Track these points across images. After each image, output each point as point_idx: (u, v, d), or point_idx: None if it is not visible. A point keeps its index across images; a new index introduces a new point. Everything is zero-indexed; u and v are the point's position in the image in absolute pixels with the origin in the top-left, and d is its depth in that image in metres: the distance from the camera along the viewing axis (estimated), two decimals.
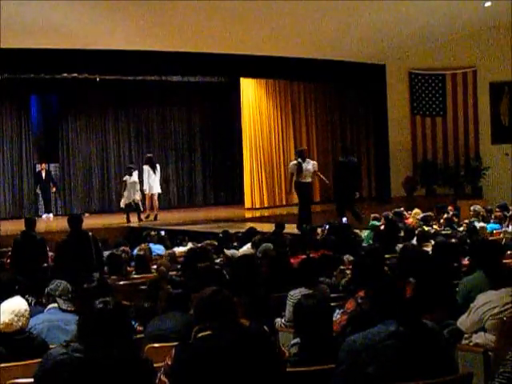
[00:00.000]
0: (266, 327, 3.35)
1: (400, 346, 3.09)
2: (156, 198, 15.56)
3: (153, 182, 15.29)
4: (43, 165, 17.09)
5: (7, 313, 3.98)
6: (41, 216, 16.52)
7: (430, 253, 6.73)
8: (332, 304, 4.78)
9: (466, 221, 11.13)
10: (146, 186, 15.30)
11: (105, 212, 17.57)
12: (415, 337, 3.14)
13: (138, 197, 15.05)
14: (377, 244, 8.02)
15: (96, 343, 3.00)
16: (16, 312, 3.99)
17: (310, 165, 12.83)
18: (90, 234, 8.58)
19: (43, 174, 16.87)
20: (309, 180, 12.78)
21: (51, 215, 16.71)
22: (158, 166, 15.50)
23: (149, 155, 15.88)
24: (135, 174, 15.19)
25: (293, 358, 3.59)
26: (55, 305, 4.76)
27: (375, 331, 3.15)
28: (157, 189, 15.45)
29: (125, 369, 3.00)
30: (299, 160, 12.70)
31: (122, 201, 15.16)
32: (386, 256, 6.77)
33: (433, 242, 7.88)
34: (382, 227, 10.61)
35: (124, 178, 15.25)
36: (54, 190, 17.05)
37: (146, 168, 15.39)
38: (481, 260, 4.95)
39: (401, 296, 3.31)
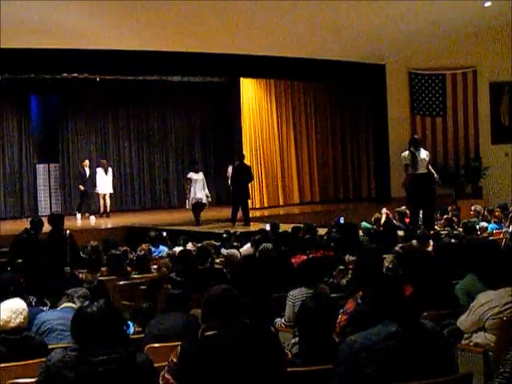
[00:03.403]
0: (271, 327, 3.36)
1: (400, 346, 3.09)
2: (108, 197, 16.48)
3: (105, 183, 16.28)
4: (86, 161, 16.44)
5: (6, 310, 4.04)
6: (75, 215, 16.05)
7: (431, 253, 6.73)
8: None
9: (464, 221, 11.14)
10: (99, 187, 16.32)
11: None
12: (414, 337, 3.14)
13: (204, 196, 13.95)
14: (373, 244, 8.03)
15: (89, 342, 3.00)
16: (14, 310, 4.04)
17: (425, 154, 11.59)
18: (68, 232, 8.66)
19: (87, 172, 16.26)
20: (425, 171, 11.51)
21: (93, 216, 16.01)
22: (110, 169, 16.54)
23: (102, 160, 16.73)
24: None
25: (293, 359, 3.59)
26: (71, 304, 4.79)
27: (375, 332, 3.15)
28: (108, 189, 16.45)
29: (122, 368, 2.99)
30: (412, 149, 11.44)
31: (188, 202, 14.07)
32: (384, 256, 6.77)
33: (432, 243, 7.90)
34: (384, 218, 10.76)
35: (188, 176, 14.14)
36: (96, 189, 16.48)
37: (99, 170, 16.42)
38: (475, 262, 4.92)
39: (400, 296, 3.31)
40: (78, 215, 16.06)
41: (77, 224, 15.03)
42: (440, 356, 3.19)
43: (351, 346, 3.12)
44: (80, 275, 7.08)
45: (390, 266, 6.70)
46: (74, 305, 4.79)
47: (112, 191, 16.69)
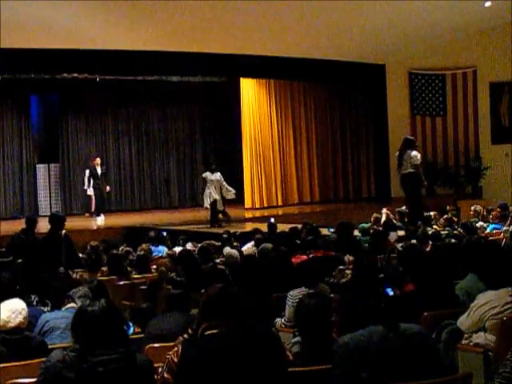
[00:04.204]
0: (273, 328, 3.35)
1: (391, 348, 3.07)
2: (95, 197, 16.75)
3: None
4: (98, 159, 16.34)
5: (5, 310, 4.04)
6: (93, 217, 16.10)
7: (428, 252, 6.73)
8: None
9: (464, 221, 11.13)
10: (87, 188, 16.81)
11: (104, 212, 17.57)
12: (402, 339, 3.12)
13: (219, 197, 13.80)
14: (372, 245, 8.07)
15: (90, 342, 3.00)
16: (13, 310, 4.04)
17: None
18: (63, 232, 8.68)
19: (99, 171, 16.11)
20: None
21: (102, 217, 15.86)
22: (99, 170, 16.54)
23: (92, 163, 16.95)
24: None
25: (294, 358, 3.58)
26: (74, 305, 4.80)
27: (366, 333, 3.13)
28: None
29: (122, 368, 2.99)
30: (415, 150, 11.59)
31: (206, 202, 13.92)
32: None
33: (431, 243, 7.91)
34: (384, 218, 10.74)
35: (203, 175, 14.11)
36: (109, 189, 16.36)
37: (88, 171, 16.75)
38: (474, 262, 4.92)
39: (384, 300, 3.30)
40: (98, 218, 15.83)
41: (95, 224, 15.21)
42: (429, 357, 3.18)
43: (344, 348, 3.11)
44: (74, 275, 7.04)
45: (393, 255, 6.74)
46: (75, 305, 4.81)
47: None
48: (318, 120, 18.71)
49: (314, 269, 5.67)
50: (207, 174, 13.93)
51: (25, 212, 16.73)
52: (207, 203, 13.84)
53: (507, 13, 15.26)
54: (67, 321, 4.52)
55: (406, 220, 11.55)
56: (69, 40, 13.36)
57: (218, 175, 13.92)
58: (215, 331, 3.14)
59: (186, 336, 3.51)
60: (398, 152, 11.71)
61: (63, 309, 4.90)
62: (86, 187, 16.90)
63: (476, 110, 18.20)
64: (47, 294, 5.39)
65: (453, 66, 18.10)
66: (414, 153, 11.46)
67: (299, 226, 10.15)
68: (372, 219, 11.91)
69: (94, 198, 16.68)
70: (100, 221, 15.65)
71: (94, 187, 16.12)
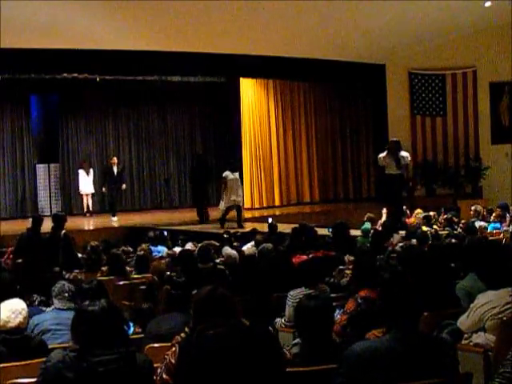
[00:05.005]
0: (270, 328, 3.33)
1: (405, 360, 3.03)
2: (90, 198, 17.02)
3: (86, 183, 16.87)
4: (114, 158, 16.28)
5: (5, 310, 4.04)
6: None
7: (426, 252, 6.73)
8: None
9: (464, 221, 11.14)
10: (81, 187, 16.97)
11: (105, 212, 17.57)
12: (420, 351, 3.08)
13: (240, 198, 13.27)
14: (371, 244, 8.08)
15: (90, 342, 3.00)
16: (13, 310, 4.04)
17: None
18: (63, 232, 8.70)
19: (115, 170, 15.97)
20: None
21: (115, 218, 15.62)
22: (91, 170, 17.00)
23: (84, 162, 17.18)
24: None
25: (293, 359, 3.58)
26: (54, 306, 4.80)
27: (379, 345, 3.07)
28: (90, 190, 16.94)
29: (122, 368, 2.98)
30: None
31: (222, 203, 13.20)
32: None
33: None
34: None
35: (224, 175, 13.25)
36: (124, 187, 16.28)
37: (80, 171, 17.02)
38: (475, 262, 4.92)
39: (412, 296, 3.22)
40: (114, 218, 15.71)
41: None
42: (444, 367, 3.14)
43: (355, 360, 3.02)
44: (67, 275, 7.00)
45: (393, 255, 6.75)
46: (56, 305, 4.80)
47: (93, 191, 17.04)
48: (318, 120, 18.71)
49: (313, 269, 5.67)
50: (227, 174, 13.20)
51: (26, 212, 16.74)
52: (224, 205, 13.17)
53: (507, 13, 15.26)
54: (57, 321, 4.56)
55: (383, 223, 11.32)
56: (69, 40, 13.36)
57: (237, 174, 13.39)
58: (212, 331, 3.14)
59: (182, 335, 3.51)
60: (385, 153, 11.76)
61: (51, 309, 4.90)
62: (81, 187, 16.90)
63: (476, 109, 18.21)
64: (48, 294, 5.39)
65: (453, 66, 18.09)
66: (406, 153, 11.59)
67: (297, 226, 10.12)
68: (365, 218, 11.80)
69: (94, 196, 16.94)
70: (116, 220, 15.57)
71: (110, 187, 15.93)
